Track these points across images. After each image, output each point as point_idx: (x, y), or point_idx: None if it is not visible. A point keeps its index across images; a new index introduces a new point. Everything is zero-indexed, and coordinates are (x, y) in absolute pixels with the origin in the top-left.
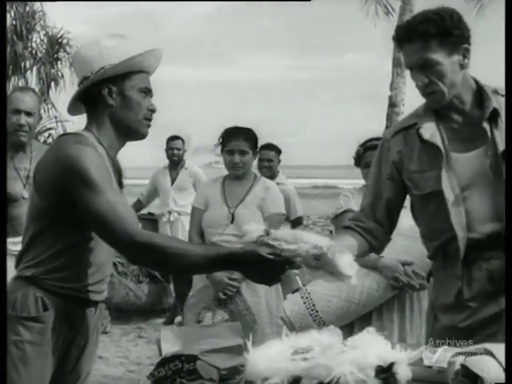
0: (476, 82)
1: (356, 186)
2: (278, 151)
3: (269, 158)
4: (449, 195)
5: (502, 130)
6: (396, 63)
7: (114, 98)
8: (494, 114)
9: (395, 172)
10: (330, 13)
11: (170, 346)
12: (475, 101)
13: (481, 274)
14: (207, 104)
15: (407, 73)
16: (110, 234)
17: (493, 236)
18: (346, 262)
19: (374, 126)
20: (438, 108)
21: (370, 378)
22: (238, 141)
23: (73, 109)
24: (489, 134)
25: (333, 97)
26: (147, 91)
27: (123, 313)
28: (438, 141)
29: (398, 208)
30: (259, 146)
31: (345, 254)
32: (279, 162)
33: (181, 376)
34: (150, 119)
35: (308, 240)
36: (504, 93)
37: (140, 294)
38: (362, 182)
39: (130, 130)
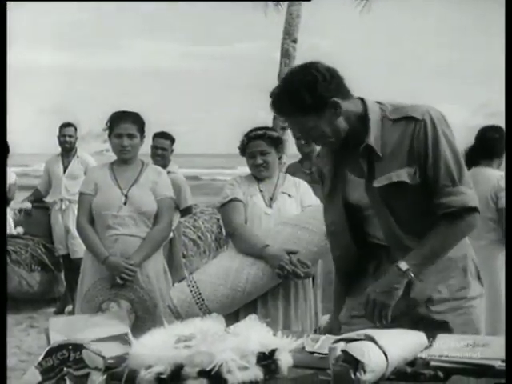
0: (365, 109)
1: (241, 175)
2: (172, 140)
3: (163, 147)
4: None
5: (386, 161)
6: (284, 53)
7: None
8: (367, 149)
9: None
10: (219, 1)
11: (58, 336)
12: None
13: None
14: (94, 91)
15: (295, 62)
16: None
17: None
18: None
19: (262, 114)
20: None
21: (251, 364)
22: (126, 123)
23: None
24: (365, 169)
25: (222, 85)
26: None
27: (16, 302)
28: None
29: None
30: (152, 134)
31: None
32: (172, 151)
33: (68, 365)
34: None
35: None
36: (396, 115)
37: (32, 282)
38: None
39: None
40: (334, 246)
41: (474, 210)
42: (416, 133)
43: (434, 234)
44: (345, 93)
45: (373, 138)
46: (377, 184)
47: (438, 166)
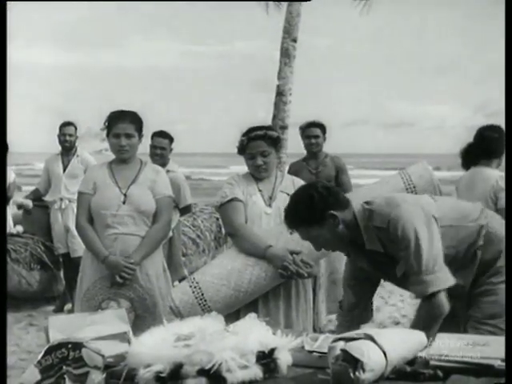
0: (355, 217)
1: (239, 174)
2: (171, 139)
3: (162, 146)
4: None
5: (390, 254)
6: (284, 53)
7: None
8: (371, 251)
9: None
10: (219, 1)
11: (58, 334)
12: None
13: None
14: (94, 90)
15: (295, 62)
16: None
17: None
18: None
19: (261, 114)
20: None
21: (251, 363)
22: (123, 123)
23: None
24: (383, 262)
25: (221, 84)
26: None
27: (15, 300)
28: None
29: None
30: (151, 133)
31: None
32: (171, 150)
33: (67, 364)
34: None
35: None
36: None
37: (32, 281)
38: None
39: None
40: None
41: (436, 293)
42: (387, 236)
43: (415, 318)
44: (342, 204)
45: (369, 242)
46: (398, 275)
47: (404, 258)
